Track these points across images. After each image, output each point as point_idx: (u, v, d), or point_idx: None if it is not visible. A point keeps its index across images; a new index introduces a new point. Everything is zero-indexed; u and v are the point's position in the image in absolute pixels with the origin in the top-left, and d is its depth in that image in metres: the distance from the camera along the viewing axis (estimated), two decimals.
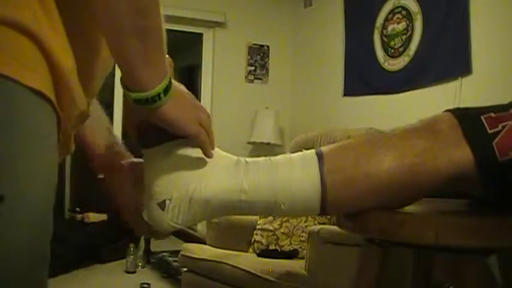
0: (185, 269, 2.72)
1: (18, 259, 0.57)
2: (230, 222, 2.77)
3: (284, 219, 2.67)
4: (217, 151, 0.84)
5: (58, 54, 0.63)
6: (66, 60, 0.66)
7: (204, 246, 2.77)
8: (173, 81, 0.76)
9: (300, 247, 2.56)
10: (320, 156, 0.84)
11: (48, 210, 0.63)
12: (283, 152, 0.88)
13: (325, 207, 0.83)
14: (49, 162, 0.63)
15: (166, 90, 0.73)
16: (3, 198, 0.54)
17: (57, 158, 0.65)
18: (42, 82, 0.61)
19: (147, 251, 4.00)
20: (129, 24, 0.66)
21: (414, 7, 3.48)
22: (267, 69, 4.92)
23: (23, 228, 0.57)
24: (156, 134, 0.79)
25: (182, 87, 0.80)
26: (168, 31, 0.73)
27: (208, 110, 4.94)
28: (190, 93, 0.81)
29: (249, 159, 0.85)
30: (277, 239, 2.64)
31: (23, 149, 0.57)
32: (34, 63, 0.61)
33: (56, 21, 0.65)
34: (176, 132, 0.78)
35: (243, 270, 2.31)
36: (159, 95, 0.72)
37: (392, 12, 3.70)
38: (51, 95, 0.62)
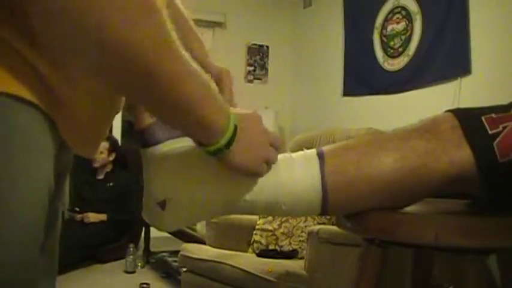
0: (185, 269, 2.72)
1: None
2: (229, 222, 2.77)
3: (283, 219, 2.67)
4: None
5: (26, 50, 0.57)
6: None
7: (204, 246, 2.76)
8: (235, 112, 0.72)
9: (300, 247, 2.56)
10: (321, 156, 0.83)
11: (34, 217, 0.59)
12: (283, 152, 0.87)
13: (326, 208, 0.83)
14: (35, 167, 0.59)
15: (232, 138, 0.70)
16: None
17: (47, 162, 0.61)
18: (19, 85, 0.56)
19: (147, 251, 3.99)
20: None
21: (414, 7, 3.49)
22: (267, 69, 4.92)
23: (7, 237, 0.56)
24: (154, 133, 0.79)
25: (247, 116, 0.74)
26: None
27: None
28: (255, 118, 0.76)
29: None
30: (277, 239, 2.64)
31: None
32: (11, 65, 0.56)
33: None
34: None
35: (243, 270, 2.31)
36: (224, 146, 0.70)
37: (391, 12, 3.70)
38: (32, 96, 0.57)
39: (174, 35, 0.58)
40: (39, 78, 0.58)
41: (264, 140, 0.75)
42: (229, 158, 0.72)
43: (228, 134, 0.69)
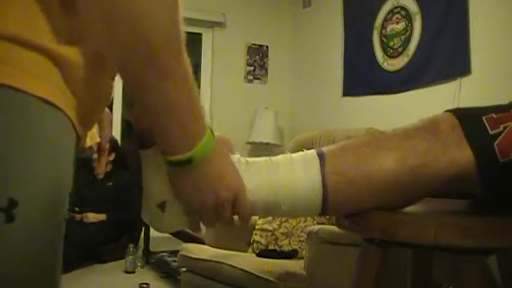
0: (184, 269, 2.72)
1: (32, 260, 0.57)
2: None
3: (283, 219, 2.67)
4: None
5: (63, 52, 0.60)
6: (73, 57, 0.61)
7: (203, 246, 2.76)
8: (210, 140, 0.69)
9: (299, 247, 2.56)
10: (321, 156, 0.83)
11: (60, 211, 0.63)
12: (283, 152, 0.88)
13: (326, 208, 0.83)
14: (60, 165, 0.61)
15: (201, 154, 0.68)
16: (17, 203, 0.54)
17: (70, 161, 0.64)
18: (48, 89, 0.59)
19: (146, 251, 4.00)
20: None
21: (413, 7, 3.49)
22: (266, 69, 4.92)
23: (37, 231, 0.57)
24: (154, 134, 0.79)
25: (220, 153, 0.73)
26: None
27: (207, 110, 4.83)
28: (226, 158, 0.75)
29: (249, 159, 0.84)
30: (277, 239, 2.64)
31: (30, 154, 0.57)
32: (41, 71, 0.58)
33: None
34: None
35: (242, 270, 2.31)
36: (190, 159, 0.68)
37: (391, 12, 3.70)
38: (59, 101, 0.59)
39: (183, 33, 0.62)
40: (61, 71, 0.60)
41: (212, 190, 0.73)
42: (185, 180, 0.71)
43: (200, 150, 0.68)
